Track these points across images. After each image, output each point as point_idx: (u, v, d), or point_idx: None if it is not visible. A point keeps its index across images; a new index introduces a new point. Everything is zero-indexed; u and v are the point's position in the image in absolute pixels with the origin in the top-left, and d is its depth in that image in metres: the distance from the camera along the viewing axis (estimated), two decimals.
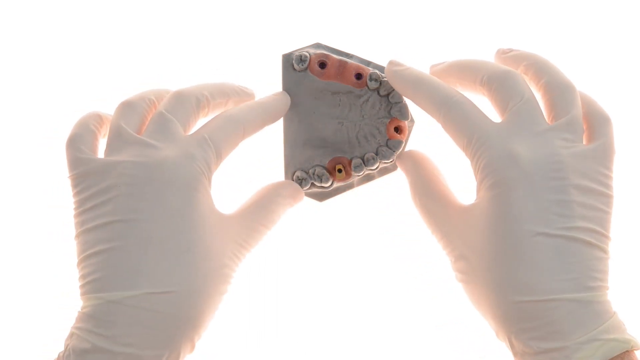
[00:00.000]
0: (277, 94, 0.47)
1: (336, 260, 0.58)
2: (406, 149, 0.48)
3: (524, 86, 0.41)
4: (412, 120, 0.48)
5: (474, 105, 0.42)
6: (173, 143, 0.40)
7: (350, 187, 0.49)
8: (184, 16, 0.60)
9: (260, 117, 0.45)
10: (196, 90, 0.43)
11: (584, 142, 0.41)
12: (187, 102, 0.42)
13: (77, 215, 0.40)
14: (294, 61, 0.47)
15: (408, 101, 0.47)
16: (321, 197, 0.49)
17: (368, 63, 0.48)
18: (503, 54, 0.45)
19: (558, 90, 0.41)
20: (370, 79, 0.47)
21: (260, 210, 0.44)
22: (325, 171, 0.48)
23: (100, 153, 0.42)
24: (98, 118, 0.43)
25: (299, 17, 0.59)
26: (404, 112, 0.47)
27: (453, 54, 0.46)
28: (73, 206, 0.41)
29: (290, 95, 0.48)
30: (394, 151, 0.47)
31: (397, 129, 0.48)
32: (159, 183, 0.38)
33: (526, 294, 0.37)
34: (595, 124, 0.41)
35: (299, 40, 0.49)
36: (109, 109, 0.45)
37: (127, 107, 0.42)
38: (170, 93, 0.43)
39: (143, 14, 0.60)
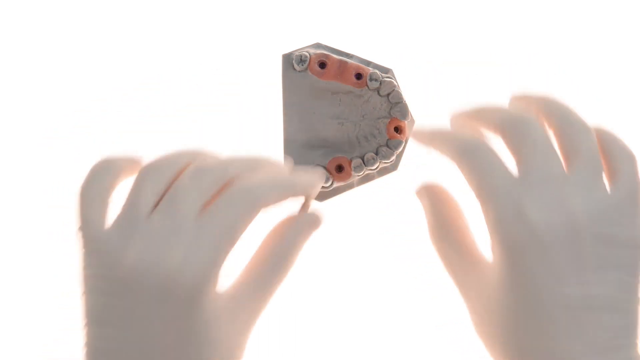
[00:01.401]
0: (315, 172, 0.41)
1: (336, 260, 0.58)
2: (406, 149, 0.48)
3: (538, 133, 0.38)
4: (412, 120, 0.48)
5: (492, 153, 0.38)
6: (182, 234, 0.35)
7: (350, 187, 0.49)
8: (183, 16, 0.60)
9: (283, 194, 0.38)
10: (222, 166, 0.38)
11: (607, 184, 0.38)
12: (209, 179, 0.37)
13: (82, 276, 0.37)
14: (294, 61, 0.47)
15: (408, 101, 0.47)
16: (321, 197, 0.49)
17: (368, 63, 0.48)
18: (516, 98, 0.42)
19: (572, 133, 0.38)
20: (370, 79, 0.47)
21: (276, 263, 0.39)
22: (325, 171, 0.48)
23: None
24: (114, 174, 0.38)
25: (299, 17, 0.59)
26: (404, 112, 0.47)
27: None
28: (79, 259, 0.37)
29: (290, 95, 0.48)
30: (394, 151, 0.47)
31: (397, 129, 0.48)
32: (160, 289, 0.34)
33: None
34: (617, 163, 0.38)
35: (299, 40, 0.49)
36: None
37: (152, 174, 0.37)
38: (193, 167, 0.38)
39: (143, 13, 0.60)
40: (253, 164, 0.39)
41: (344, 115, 0.48)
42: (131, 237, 0.36)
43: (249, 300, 0.38)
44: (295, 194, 0.39)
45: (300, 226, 0.39)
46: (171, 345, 0.35)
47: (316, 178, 0.40)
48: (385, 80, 0.47)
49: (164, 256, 0.35)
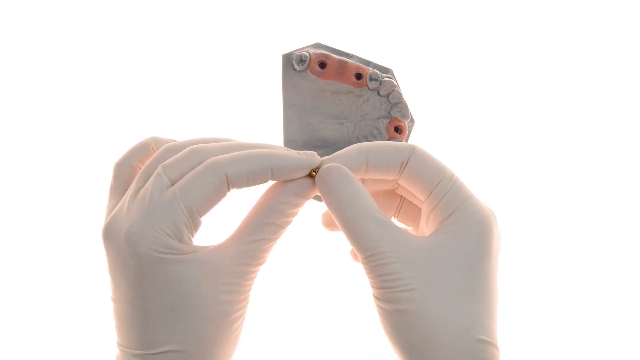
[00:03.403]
0: (305, 153, 0.41)
1: (336, 260, 0.58)
2: None
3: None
4: (412, 120, 0.48)
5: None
6: (145, 203, 0.38)
7: None
8: (184, 16, 0.60)
9: (254, 169, 0.39)
10: (213, 149, 0.40)
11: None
12: (191, 161, 0.40)
13: None
14: (294, 61, 0.47)
15: (408, 101, 0.47)
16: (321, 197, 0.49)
17: (368, 63, 0.48)
18: None
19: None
20: (370, 79, 0.47)
21: (263, 220, 0.40)
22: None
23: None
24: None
25: (299, 17, 0.59)
26: (404, 112, 0.47)
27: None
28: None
29: (290, 95, 0.48)
30: None
31: (397, 129, 0.48)
32: (123, 252, 0.38)
33: None
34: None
35: (299, 40, 0.49)
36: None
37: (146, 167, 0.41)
38: (187, 148, 0.40)
39: (144, 13, 0.60)
40: (234, 147, 0.41)
41: (344, 115, 0.48)
42: (115, 197, 0.41)
43: (235, 255, 0.39)
44: (272, 171, 0.39)
45: (285, 194, 0.40)
46: (148, 293, 0.38)
47: (302, 160, 0.40)
48: (385, 80, 0.47)
49: (126, 222, 0.38)
